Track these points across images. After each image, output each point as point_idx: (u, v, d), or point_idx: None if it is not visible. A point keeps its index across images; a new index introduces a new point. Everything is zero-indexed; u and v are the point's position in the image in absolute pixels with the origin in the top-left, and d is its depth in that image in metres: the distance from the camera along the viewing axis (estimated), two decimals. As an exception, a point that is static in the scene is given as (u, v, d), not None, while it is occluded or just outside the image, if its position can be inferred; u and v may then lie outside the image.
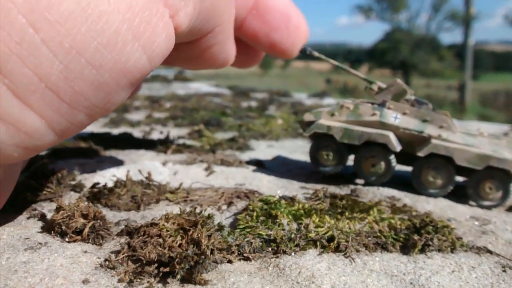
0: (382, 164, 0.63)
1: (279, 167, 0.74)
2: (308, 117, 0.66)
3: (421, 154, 0.61)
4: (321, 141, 0.65)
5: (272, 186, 0.63)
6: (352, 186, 0.63)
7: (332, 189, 0.62)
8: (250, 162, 0.75)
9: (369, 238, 0.46)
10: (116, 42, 0.31)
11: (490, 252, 0.46)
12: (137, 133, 0.97)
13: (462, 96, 11.95)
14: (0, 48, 0.27)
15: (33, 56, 0.28)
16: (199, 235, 0.40)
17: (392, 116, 0.62)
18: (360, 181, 0.66)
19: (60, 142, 0.34)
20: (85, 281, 0.36)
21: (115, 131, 0.97)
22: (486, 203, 0.60)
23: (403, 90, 0.64)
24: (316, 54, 0.67)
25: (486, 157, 0.59)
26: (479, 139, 0.62)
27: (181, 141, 0.89)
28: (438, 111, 0.63)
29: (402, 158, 0.64)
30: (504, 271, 0.42)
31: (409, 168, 0.66)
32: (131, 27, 0.31)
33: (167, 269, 0.37)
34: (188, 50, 0.48)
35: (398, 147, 0.61)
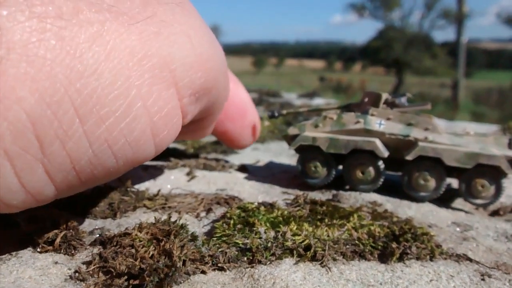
0: (371, 170, 0.62)
1: (262, 171, 0.73)
2: (292, 131, 0.66)
3: (409, 157, 0.60)
4: (308, 153, 0.64)
5: (253, 192, 0.62)
6: (334, 191, 0.62)
7: (314, 194, 0.62)
8: (233, 166, 0.74)
9: (347, 246, 0.45)
10: (140, 140, 0.35)
11: (470, 259, 0.45)
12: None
13: (455, 93, 11.97)
14: (50, 133, 0.30)
15: (73, 143, 0.31)
16: (171, 246, 0.39)
17: (376, 123, 0.62)
18: (341, 185, 0.66)
19: None
20: (53, 295, 0.36)
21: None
22: (480, 201, 0.59)
23: (376, 95, 0.63)
24: (285, 112, 0.71)
25: (475, 155, 0.58)
26: (466, 138, 0.61)
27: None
28: (421, 114, 0.63)
29: (391, 164, 0.63)
30: (483, 279, 0.42)
31: (391, 173, 0.66)
32: (154, 128, 0.36)
33: (136, 282, 0.36)
34: None
35: (385, 153, 0.61)
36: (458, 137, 0.61)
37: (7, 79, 0.28)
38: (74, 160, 0.32)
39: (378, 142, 0.61)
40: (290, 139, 0.66)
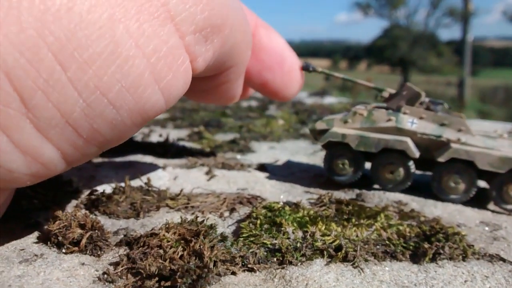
0: (401, 171, 0.61)
1: (281, 170, 0.72)
2: (320, 125, 0.64)
3: (441, 159, 0.58)
4: (336, 150, 0.63)
5: (275, 191, 0.61)
6: (357, 190, 0.61)
7: (337, 193, 0.60)
8: (252, 165, 0.73)
9: (378, 247, 0.44)
10: (139, 85, 0.32)
11: (503, 260, 0.44)
12: (135, 135, 0.95)
13: (461, 92, 11.92)
14: (28, 84, 0.28)
15: (58, 93, 0.29)
16: (201, 246, 0.38)
17: (409, 121, 0.60)
18: (364, 184, 0.64)
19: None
20: (83, 297, 0.35)
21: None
22: (511, 207, 0.58)
23: (416, 93, 0.61)
24: (319, 69, 0.66)
25: (509, 159, 0.56)
26: (500, 141, 0.59)
27: (181, 144, 0.87)
28: (452, 113, 0.61)
29: (420, 164, 0.62)
30: (519, 280, 0.41)
31: (418, 172, 0.64)
32: (154, 71, 0.32)
33: (168, 283, 0.35)
34: (199, 84, 0.48)
35: (416, 153, 0.59)
36: (491, 139, 0.59)
37: None
38: (64, 113, 0.29)
39: (410, 142, 0.59)
40: (317, 134, 0.64)
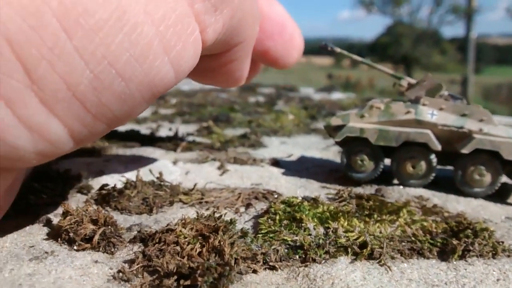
0: (423, 164, 0.58)
1: (295, 165, 0.70)
2: (335, 121, 0.61)
3: (465, 151, 0.56)
4: (353, 145, 0.61)
5: (290, 186, 0.59)
6: (375, 186, 0.59)
7: (355, 188, 0.58)
8: (265, 160, 0.71)
9: (403, 243, 0.42)
10: (148, 55, 0.29)
11: (535, 257, 0.42)
12: (144, 130, 0.93)
13: (465, 89, 11.84)
14: (32, 53, 0.25)
15: (64, 62, 0.26)
16: (222, 242, 0.36)
17: (429, 113, 0.58)
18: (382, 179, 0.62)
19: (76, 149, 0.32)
20: (97, 296, 0.33)
21: (122, 128, 0.93)
22: None
23: (438, 85, 0.59)
24: (338, 50, 0.64)
25: None
26: None
27: (190, 138, 0.85)
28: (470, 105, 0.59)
29: (439, 157, 0.60)
30: (554, 278, 0.39)
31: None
32: (163, 40, 0.30)
33: (188, 282, 0.33)
34: (206, 62, 0.46)
35: (439, 146, 0.57)
36: None
37: None
38: (71, 85, 0.27)
39: (431, 134, 0.57)
40: (332, 130, 0.62)
